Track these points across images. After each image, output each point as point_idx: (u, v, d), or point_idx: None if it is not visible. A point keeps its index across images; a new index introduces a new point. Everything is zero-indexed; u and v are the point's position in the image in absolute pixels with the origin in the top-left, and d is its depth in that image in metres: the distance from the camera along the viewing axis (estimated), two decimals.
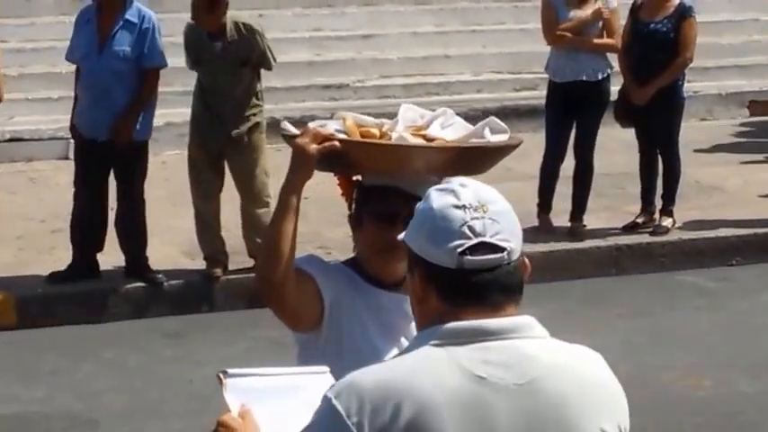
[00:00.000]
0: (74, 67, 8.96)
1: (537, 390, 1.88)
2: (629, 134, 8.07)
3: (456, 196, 1.94)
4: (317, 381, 2.21)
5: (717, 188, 8.78)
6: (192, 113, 7.11)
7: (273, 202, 6.84)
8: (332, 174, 2.79)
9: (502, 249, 1.91)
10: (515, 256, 1.93)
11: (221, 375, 2.17)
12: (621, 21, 7.88)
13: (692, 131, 9.47)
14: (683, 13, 7.66)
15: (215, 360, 6.07)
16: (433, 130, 2.74)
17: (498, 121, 2.78)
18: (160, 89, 10.34)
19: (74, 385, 5.84)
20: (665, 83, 7.55)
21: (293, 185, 2.61)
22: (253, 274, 6.73)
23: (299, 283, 2.64)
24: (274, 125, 7.29)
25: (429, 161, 2.63)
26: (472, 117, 10.53)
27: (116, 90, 6.67)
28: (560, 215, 7.75)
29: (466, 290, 1.90)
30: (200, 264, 7.06)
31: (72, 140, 9.02)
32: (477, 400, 1.85)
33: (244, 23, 6.92)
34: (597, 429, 1.91)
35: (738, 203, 8.35)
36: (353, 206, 2.76)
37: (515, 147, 2.76)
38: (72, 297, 6.72)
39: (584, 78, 7.60)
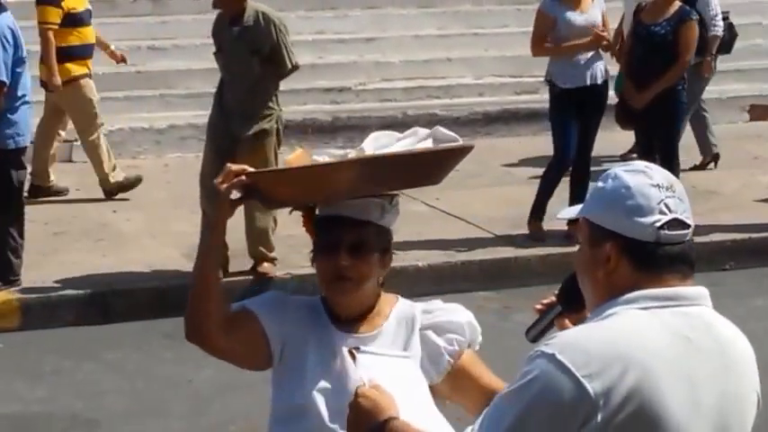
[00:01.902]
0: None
1: (725, 355, 2.09)
2: (629, 138, 8.07)
3: (648, 176, 2.10)
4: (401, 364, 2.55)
5: (713, 192, 8.74)
6: (210, 113, 7.07)
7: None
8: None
9: (688, 226, 2.11)
10: (692, 234, 2.13)
11: (354, 351, 2.39)
12: (612, 25, 7.90)
13: (690, 135, 9.45)
14: (683, 17, 7.66)
15: (215, 361, 6.00)
16: (371, 147, 2.66)
17: (445, 130, 2.70)
18: (162, 92, 10.48)
19: (75, 385, 5.85)
20: (664, 87, 7.56)
21: (209, 223, 2.63)
22: (251, 277, 6.86)
23: (241, 324, 2.64)
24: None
25: (338, 179, 2.55)
26: (474, 121, 10.60)
27: None
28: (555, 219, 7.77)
29: (661, 261, 2.07)
30: None
31: (75, 142, 9.17)
32: (687, 361, 2.03)
33: (263, 13, 6.86)
34: (755, 394, 2.15)
35: (734, 208, 8.31)
36: (313, 242, 2.72)
37: (436, 153, 2.64)
38: (74, 298, 6.74)
39: (590, 83, 7.58)
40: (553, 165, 7.76)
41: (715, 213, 8.06)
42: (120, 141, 9.70)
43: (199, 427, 5.42)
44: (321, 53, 11.37)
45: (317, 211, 2.71)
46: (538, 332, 2.48)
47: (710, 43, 8.82)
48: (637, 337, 2.01)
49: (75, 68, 8.36)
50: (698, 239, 7.89)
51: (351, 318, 2.69)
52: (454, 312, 2.76)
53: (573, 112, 7.61)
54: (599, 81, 7.64)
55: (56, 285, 6.84)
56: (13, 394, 5.79)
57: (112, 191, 8.55)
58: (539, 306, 2.52)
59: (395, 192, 2.70)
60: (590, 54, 7.63)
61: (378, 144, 2.70)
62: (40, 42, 8.29)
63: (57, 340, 6.46)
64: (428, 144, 2.67)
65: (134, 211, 8.26)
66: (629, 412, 1.96)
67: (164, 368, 6.08)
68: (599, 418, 1.96)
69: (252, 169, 2.58)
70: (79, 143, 8.87)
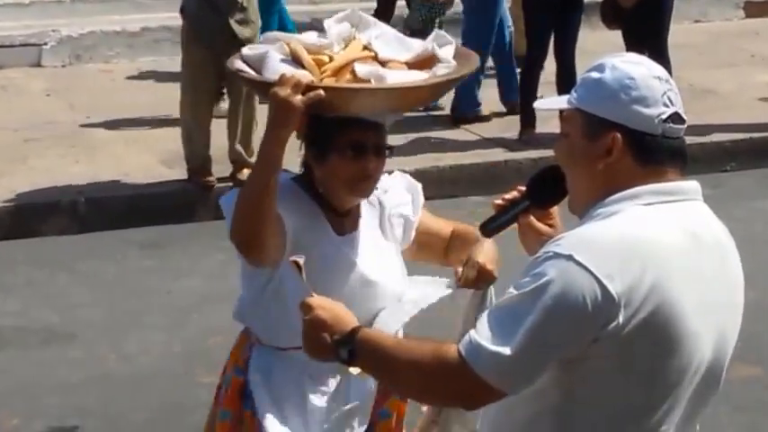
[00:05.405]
0: None
1: (721, 251, 2.09)
2: (616, 37, 7.88)
3: (648, 68, 2.07)
4: None
5: (711, 92, 8.61)
6: (190, 12, 6.70)
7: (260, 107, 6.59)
8: None
9: (684, 121, 2.09)
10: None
11: (299, 260, 2.31)
12: None
13: (685, 34, 9.28)
14: None
15: (193, 271, 5.98)
16: (381, 51, 2.72)
17: (443, 33, 2.84)
18: None
19: (49, 298, 5.72)
20: None
21: (278, 140, 2.55)
22: (231, 184, 6.60)
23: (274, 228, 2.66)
24: None
25: (412, 99, 2.73)
26: (458, 20, 10.26)
27: None
28: (549, 121, 7.54)
29: (663, 155, 2.05)
30: (178, 173, 6.88)
31: (44, 46, 8.85)
32: (697, 258, 2.02)
33: None
34: (741, 294, 2.16)
35: (733, 107, 8.19)
36: (315, 140, 2.71)
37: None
38: (46, 207, 6.55)
39: None
40: (527, 60, 7.72)
41: (714, 113, 7.93)
42: (92, 45, 9.45)
43: (178, 339, 5.27)
44: None
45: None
46: (497, 226, 2.40)
47: None
48: (650, 234, 1.98)
49: None
50: (697, 140, 7.69)
51: (343, 210, 2.79)
52: (403, 179, 2.94)
53: (546, 6, 7.51)
54: None
55: (26, 193, 6.67)
56: None
57: None
58: (500, 201, 2.43)
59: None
60: None
61: (337, 34, 2.77)
62: None
63: (28, 251, 6.30)
64: (436, 49, 2.76)
65: (107, 117, 8.07)
66: (647, 312, 1.94)
67: (140, 279, 5.95)
68: (621, 319, 1.92)
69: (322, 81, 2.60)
70: (49, 46, 8.58)
